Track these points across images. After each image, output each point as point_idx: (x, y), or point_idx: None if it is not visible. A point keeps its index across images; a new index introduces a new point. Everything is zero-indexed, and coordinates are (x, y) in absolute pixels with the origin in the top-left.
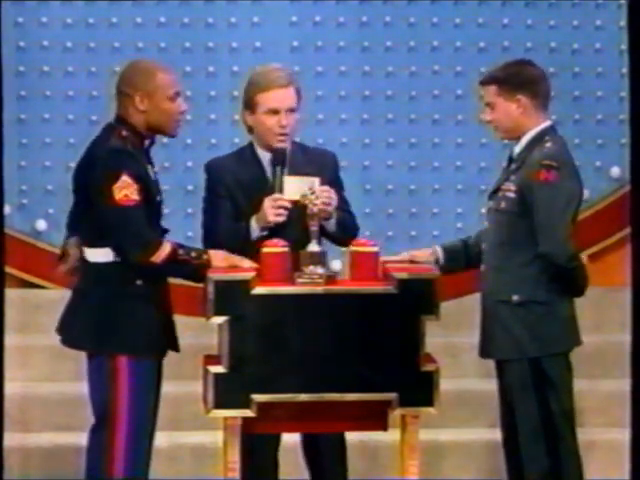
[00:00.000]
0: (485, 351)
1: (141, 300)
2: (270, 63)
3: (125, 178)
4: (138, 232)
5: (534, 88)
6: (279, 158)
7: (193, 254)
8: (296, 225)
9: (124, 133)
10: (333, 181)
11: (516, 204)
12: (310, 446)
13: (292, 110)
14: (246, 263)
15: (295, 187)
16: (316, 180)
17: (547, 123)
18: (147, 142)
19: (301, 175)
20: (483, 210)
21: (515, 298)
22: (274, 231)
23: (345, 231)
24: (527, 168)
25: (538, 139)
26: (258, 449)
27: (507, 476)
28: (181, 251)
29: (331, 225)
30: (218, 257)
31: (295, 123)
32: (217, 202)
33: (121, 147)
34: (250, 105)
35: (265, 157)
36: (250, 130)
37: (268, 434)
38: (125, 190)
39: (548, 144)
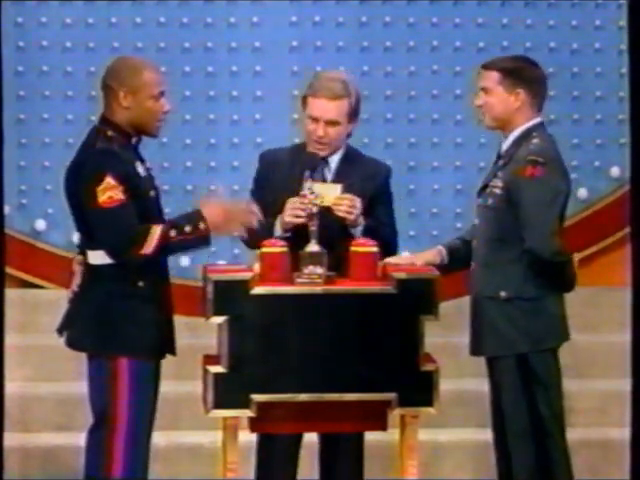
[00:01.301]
0: (475, 349)
1: (142, 301)
2: (337, 70)
3: (109, 180)
4: (124, 229)
5: (535, 87)
6: (310, 163)
7: (187, 229)
8: (326, 226)
9: (109, 133)
10: (379, 192)
11: (503, 200)
12: (327, 452)
13: (335, 122)
14: (241, 205)
15: (318, 192)
16: (338, 187)
17: (536, 120)
18: (134, 140)
19: (346, 181)
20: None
21: (502, 294)
22: (297, 234)
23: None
24: (514, 164)
25: (525, 135)
26: (277, 447)
27: (497, 475)
28: (173, 232)
29: (357, 232)
30: (213, 217)
31: (337, 135)
32: (259, 195)
33: (105, 148)
34: (302, 104)
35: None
36: None
37: (272, 434)
38: (109, 192)
39: (535, 140)
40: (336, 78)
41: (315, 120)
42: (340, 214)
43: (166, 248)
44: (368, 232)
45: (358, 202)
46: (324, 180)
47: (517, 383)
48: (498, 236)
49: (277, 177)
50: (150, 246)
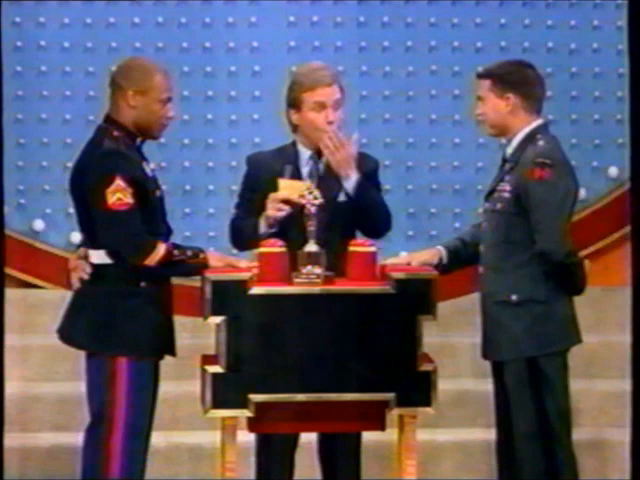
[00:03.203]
0: (486, 353)
1: (143, 301)
2: (312, 62)
3: (118, 182)
4: (131, 236)
5: (526, 90)
6: (312, 161)
7: (189, 253)
8: (326, 226)
9: (115, 133)
10: (370, 181)
11: (512, 204)
12: (326, 448)
13: (338, 105)
14: (242, 263)
15: (289, 189)
16: (308, 184)
17: (539, 122)
18: (139, 140)
19: (333, 174)
20: (480, 210)
21: (514, 298)
22: (281, 231)
23: (367, 202)
24: (521, 167)
25: (530, 138)
26: (275, 450)
27: (498, 476)
28: (176, 252)
29: (350, 187)
30: (214, 257)
31: (341, 120)
32: (247, 196)
33: (114, 149)
34: (295, 104)
35: (305, 155)
36: (294, 129)
37: (270, 434)
38: (118, 194)
39: (541, 142)
40: (321, 67)
41: (322, 106)
42: (328, 153)
43: (166, 265)
44: (361, 187)
45: (346, 143)
46: (318, 173)
47: (526, 385)
48: (507, 240)
49: (267, 177)
50: (153, 260)
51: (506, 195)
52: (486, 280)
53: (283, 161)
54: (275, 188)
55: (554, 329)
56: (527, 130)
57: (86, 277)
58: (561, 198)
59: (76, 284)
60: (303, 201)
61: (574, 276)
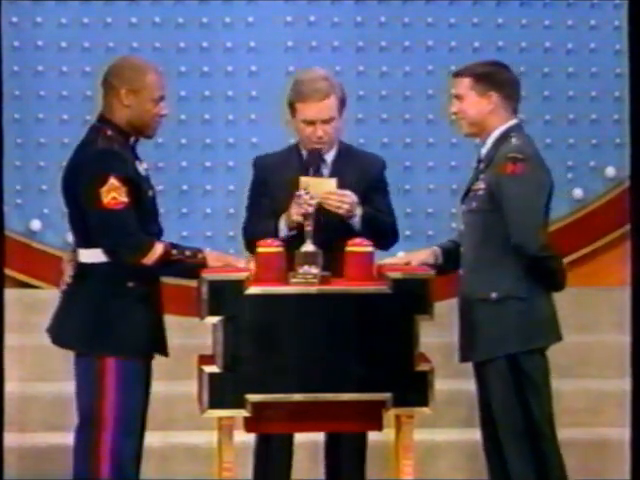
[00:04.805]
0: (465, 355)
1: (132, 301)
2: (314, 69)
3: (113, 181)
4: (128, 235)
5: (507, 90)
6: (313, 160)
7: (187, 253)
8: (324, 226)
9: (109, 133)
10: (374, 184)
11: (487, 201)
12: (332, 450)
13: (330, 119)
14: (241, 263)
15: (314, 187)
16: (333, 181)
17: (513, 121)
18: (132, 139)
19: (341, 176)
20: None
21: (493, 295)
22: (302, 232)
23: (373, 230)
24: (495, 165)
25: (504, 137)
26: (271, 455)
27: (489, 476)
28: (174, 251)
29: (356, 223)
30: (213, 256)
31: (334, 130)
32: (258, 201)
33: (108, 148)
34: (291, 110)
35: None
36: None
37: (268, 435)
38: (113, 193)
39: (513, 140)
40: (318, 78)
41: (311, 123)
42: (330, 208)
43: (164, 264)
44: (366, 220)
45: (348, 196)
46: (321, 176)
47: (509, 386)
48: (485, 238)
49: (275, 180)
50: (151, 259)
51: (481, 193)
52: (465, 281)
53: (289, 164)
54: (285, 190)
55: (533, 326)
56: (502, 129)
57: (68, 280)
58: (534, 192)
59: (63, 285)
60: (300, 201)
61: (552, 271)
